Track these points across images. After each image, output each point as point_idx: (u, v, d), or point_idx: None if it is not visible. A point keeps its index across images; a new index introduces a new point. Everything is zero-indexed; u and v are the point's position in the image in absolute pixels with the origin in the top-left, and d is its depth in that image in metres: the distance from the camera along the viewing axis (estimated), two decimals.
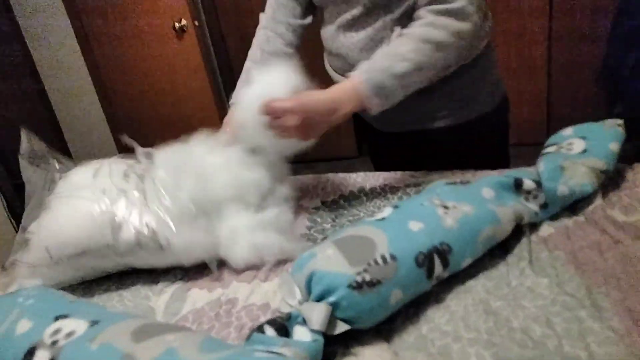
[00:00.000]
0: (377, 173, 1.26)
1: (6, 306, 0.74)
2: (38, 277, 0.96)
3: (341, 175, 1.30)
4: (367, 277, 0.72)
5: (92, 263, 0.97)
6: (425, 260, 0.77)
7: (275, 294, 0.88)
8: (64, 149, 3.27)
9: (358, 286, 0.71)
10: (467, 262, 0.82)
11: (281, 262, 0.96)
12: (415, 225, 0.80)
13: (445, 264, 0.79)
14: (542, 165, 0.98)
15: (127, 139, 1.08)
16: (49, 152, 1.06)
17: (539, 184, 0.93)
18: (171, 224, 0.94)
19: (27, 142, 1.02)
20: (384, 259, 0.74)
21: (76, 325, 0.67)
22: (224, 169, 1.04)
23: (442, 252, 0.79)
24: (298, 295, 0.77)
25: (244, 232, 0.98)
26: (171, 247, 0.94)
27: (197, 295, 0.93)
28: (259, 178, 1.05)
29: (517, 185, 0.93)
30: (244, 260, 0.95)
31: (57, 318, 0.70)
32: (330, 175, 1.30)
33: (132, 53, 2.97)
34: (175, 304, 0.91)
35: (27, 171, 1.04)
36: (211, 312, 0.87)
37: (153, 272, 1.02)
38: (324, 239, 1.02)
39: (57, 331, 0.67)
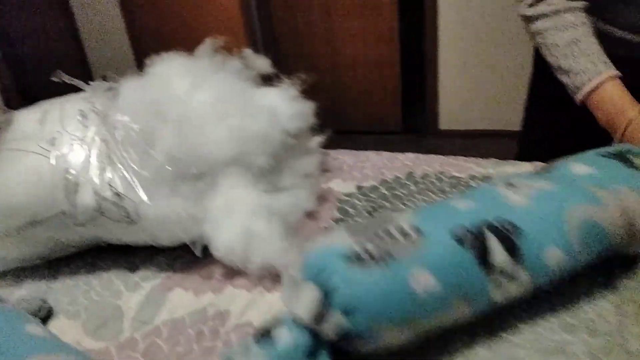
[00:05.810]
0: (433, 156, 0.98)
1: None
2: None
3: (385, 154, 1.02)
4: (373, 249, 0.50)
5: (48, 234, 0.74)
6: (471, 237, 0.51)
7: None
8: (82, 61, 3.10)
9: (357, 258, 0.49)
10: (552, 254, 0.53)
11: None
12: (462, 204, 0.56)
13: (511, 248, 0.52)
14: None
15: (63, 77, 0.83)
16: None
17: None
18: (140, 190, 0.71)
19: None
20: (401, 230, 0.52)
21: None
22: (217, 115, 0.76)
23: (503, 232, 0.52)
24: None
25: (240, 211, 0.72)
26: (141, 219, 0.71)
27: (179, 299, 0.70)
28: (266, 128, 0.79)
29: (624, 159, 0.63)
30: (226, 247, 0.70)
31: None
32: (371, 154, 1.03)
33: None
34: (149, 309, 0.68)
35: None
36: (192, 329, 0.64)
37: (133, 254, 0.80)
38: None
39: None
